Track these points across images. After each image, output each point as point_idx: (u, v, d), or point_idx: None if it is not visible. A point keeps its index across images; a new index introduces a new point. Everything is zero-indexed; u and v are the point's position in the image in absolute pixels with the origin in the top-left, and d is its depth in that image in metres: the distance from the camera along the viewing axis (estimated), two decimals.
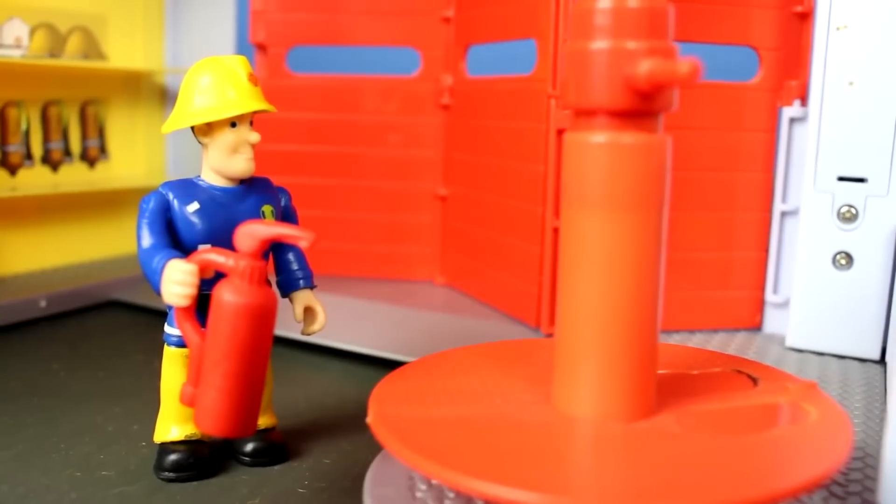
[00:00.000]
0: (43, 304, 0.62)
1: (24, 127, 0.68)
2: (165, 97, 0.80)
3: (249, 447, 0.39)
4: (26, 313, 0.61)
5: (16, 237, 0.68)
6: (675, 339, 0.53)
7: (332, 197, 0.67)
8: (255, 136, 0.36)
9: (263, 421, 0.39)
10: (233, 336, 0.32)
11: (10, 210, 0.67)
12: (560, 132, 0.52)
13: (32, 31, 0.68)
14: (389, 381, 0.34)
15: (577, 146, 0.30)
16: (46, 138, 0.70)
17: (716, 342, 0.53)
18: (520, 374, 0.35)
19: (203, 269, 0.33)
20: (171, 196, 0.36)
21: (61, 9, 0.70)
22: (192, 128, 0.36)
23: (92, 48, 0.74)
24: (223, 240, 0.35)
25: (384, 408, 0.31)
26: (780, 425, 0.31)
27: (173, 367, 0.37)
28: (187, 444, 0.38)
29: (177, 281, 0.33)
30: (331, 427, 0.43)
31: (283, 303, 0.36)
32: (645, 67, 0.28)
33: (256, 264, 0.32)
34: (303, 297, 0.39)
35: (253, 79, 0.36)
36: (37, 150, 0.70)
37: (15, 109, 0.68)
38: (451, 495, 0.32)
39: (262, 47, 0.67)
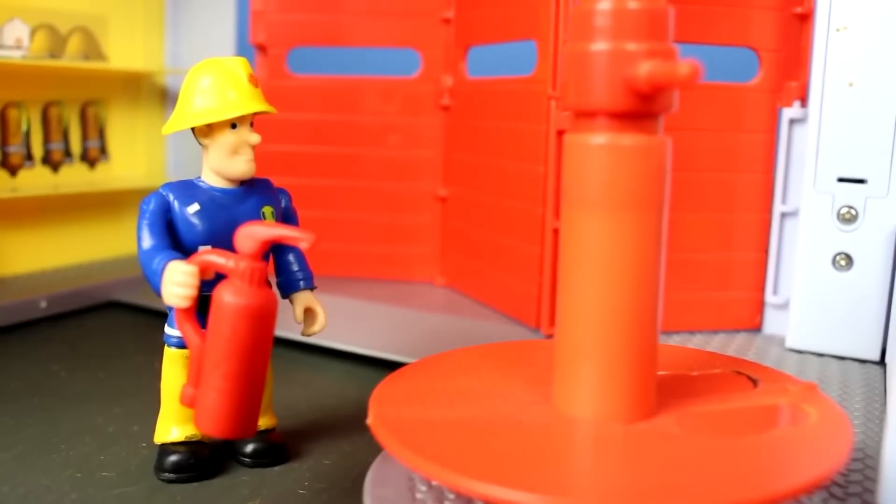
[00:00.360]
0: (43, 304, 0.62)
1: (24, 128, 0.68)
2: (166, 98, 0.80)
3: (250, 448, 0.39)
4: (27, 314, 0.61)
5: (16, 238, 0.68)
6: (675, 340, 0.53)
7: (332, 198, 0.67)
8: (255, 138, 0.36)
9: (264, 422, 0.39)
10: (233, 337, 0.32)
11: (11, 211, 0.67)
12: (560, 133, 0.52)
13: (33, 32, 0.68)
14: (389, 382, 0.34)
15: (577, 147, 0.30)
16: (47, 139, 0.70)
17: (716, 343, 0.53)
18: (520, 375, 0.35)
19: (203, 270, 0.33)
20: (171, 197, 0.36)
21: (62, 10, 0.70)
22: (193, 129, 0.36)
23: (92, 49, 0.74)
24: (223, 241, 0.35)
25: (384, 409, 0.31)
26: (779, 426, 0.31)
27: (173, 368, 0.37)
28: (187, 445, 0.38)
29: (177, 282, 0.33)
30: (331, 428, 0.43)
31: (283, 304, 0.36)
32: (645, 69, 0.28)
33: (257, 265, 0.32)
34: (303, 298, 0.39)
35: (253, 80, 0.37)
36: (37, 150, 0.70)
37: (15, 110, 0.68)
38: (451, 496, 0.32)
39: (262, 48, 0.67)
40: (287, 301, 0.39)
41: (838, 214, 0.51)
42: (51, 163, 0.71)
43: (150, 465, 0.38)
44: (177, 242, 0.36)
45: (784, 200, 0.54)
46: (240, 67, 0.36)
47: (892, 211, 0.50)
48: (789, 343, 0.52)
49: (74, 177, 0.73)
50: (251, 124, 0.36)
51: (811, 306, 0.52)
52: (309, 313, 0.39)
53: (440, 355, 0.37)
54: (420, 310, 0.58)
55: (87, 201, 0.73)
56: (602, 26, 0.29)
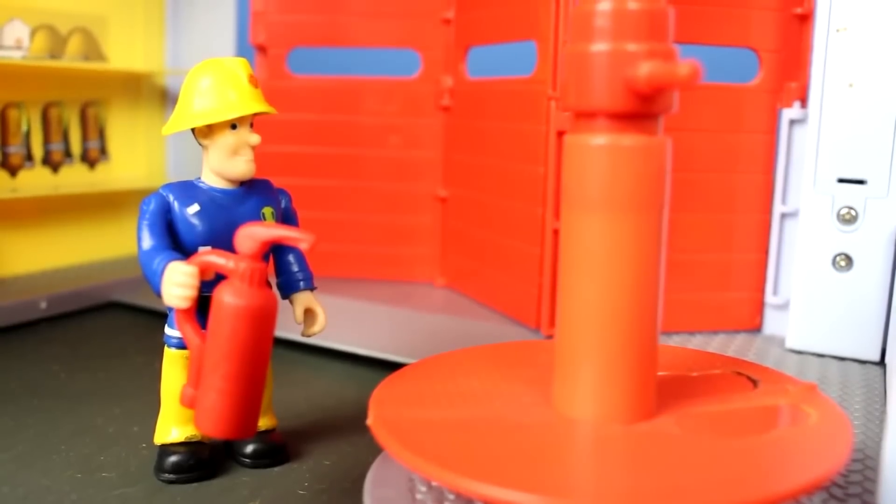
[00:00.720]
0: (43, 305, 0.62)
1: (24, 128, 0.68)
2: (166, 98, 0.80)
3: (250, 448, 0.39)
4: (27, 314, 0.61)
5: (16, 238, 0.68)
6: (675, 341, 0.53)
7: (332, 198, 0.67)
8: (255, 138, 0.36)
9: (264, 422, 0.39)
10: (233, 338, 0.32)
11: (11, 211, 0.67)
12: (560, 134, 0.52)
13: (33, 33, 0.68)
14: (389, 382, 0.34)
15: (577, 148, 0.30)
16: (47, 139, 0.70)
17: (716, 344, 0.53)
18: (520, 376, 0.35)
19: (203, 270, 0.33)
20: (171, 198, 0.36)
21: (62, 10, 0.70)
22: (193, 130, 0.36)
23: (92, 49, 0.74)
24: (223, 241, 0.35)
25: (384, 409, 0.31)
26: (779, 427, 0.31)
27: (174, 369, 0.37)
28: (187, 446, 0.38)
29: (177, 283, 0.33)
30: (331, 428, 0.43)
31: (283, 304, 0.36)
32: (645, 70, 0.28)
33: (257, 266, 0.32)
34: (303, 299, 0.39)
35: (253, 80, 0.37)
36: (37, 151, 0.70)
37: (15, 111, 0.68)
38: (451, 497, 0.32)
39: (262, 49, 0.67)
40: (287, 301, 0.39)
41: (838, 215, 0.51)
42: (51, 163, 0.71)
43: (150, 466, 0.38)
44: (177, 243, 0.36)
45: (784, 201, 0.54)
46: (240, 68, 0.36)
47: (893, 211, 0.50)
48: (789, 343, 0.52)
49: (74, 177, 0.73)
50: (251, 125, 0.36)
51: (811, 307, 0.52)
52: (309, 314, 0.39)
53: (440, 356, 0.37)
54: (420, 310, 0.58)
55: (87, 202, 0.73)
56: (602, 27, 0.29)
